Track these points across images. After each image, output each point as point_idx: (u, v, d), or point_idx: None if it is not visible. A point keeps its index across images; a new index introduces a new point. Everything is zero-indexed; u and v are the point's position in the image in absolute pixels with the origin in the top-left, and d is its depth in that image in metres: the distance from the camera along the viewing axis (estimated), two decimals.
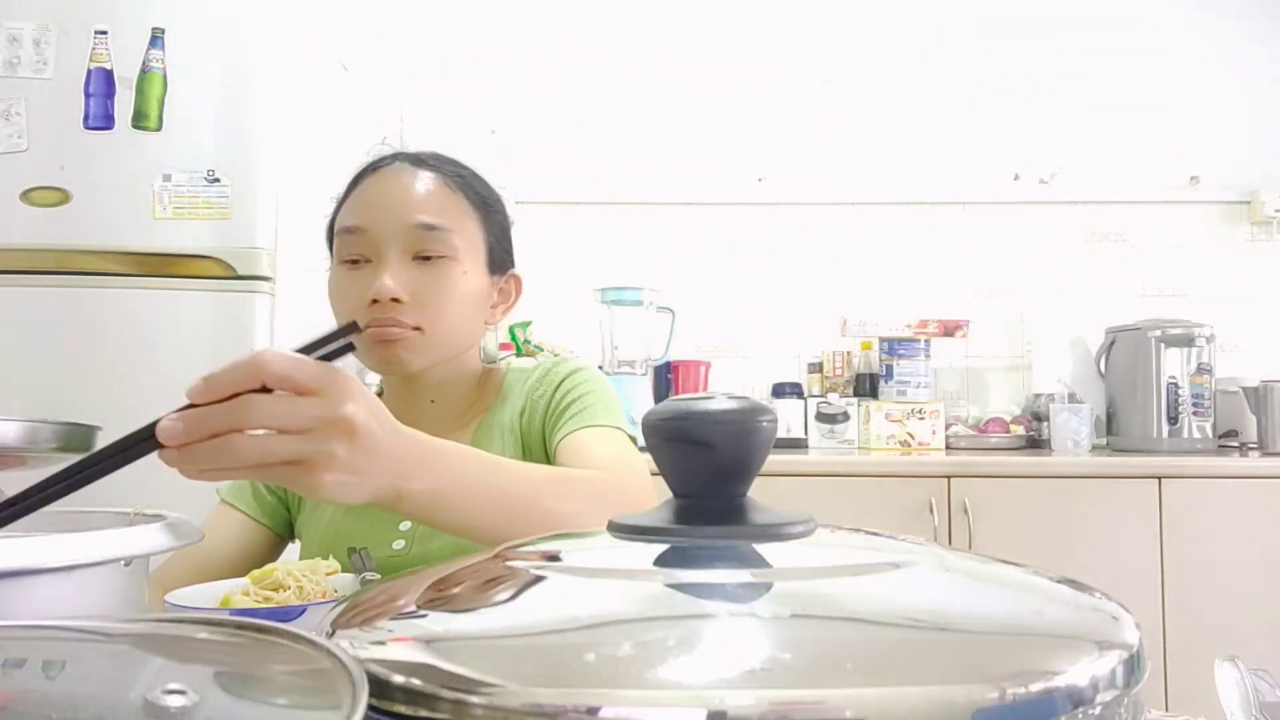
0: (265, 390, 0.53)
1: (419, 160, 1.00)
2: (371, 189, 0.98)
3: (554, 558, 0.40)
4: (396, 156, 1.01)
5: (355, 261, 0.95)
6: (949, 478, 2.14)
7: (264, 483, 0.54)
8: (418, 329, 0.93)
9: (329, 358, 0.56)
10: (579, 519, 0.69)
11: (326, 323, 0.98)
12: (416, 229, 0.94)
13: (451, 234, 0.95)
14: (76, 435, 0.74)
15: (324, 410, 0.55)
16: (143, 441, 0.53)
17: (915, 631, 0.32)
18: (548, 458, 0.98)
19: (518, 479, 0.73)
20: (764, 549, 0.37)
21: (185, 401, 0.54)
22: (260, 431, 0.54)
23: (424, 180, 0.97)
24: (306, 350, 0.56)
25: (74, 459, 0.67)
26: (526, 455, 0.99)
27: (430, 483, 0.64)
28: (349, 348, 0.57)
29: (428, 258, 0.94)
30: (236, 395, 0.53)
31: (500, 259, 1.03)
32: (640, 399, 2.37)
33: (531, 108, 2.86)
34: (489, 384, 1.06)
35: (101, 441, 0.78)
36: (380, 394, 1.09)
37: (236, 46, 1.78)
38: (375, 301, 0.91)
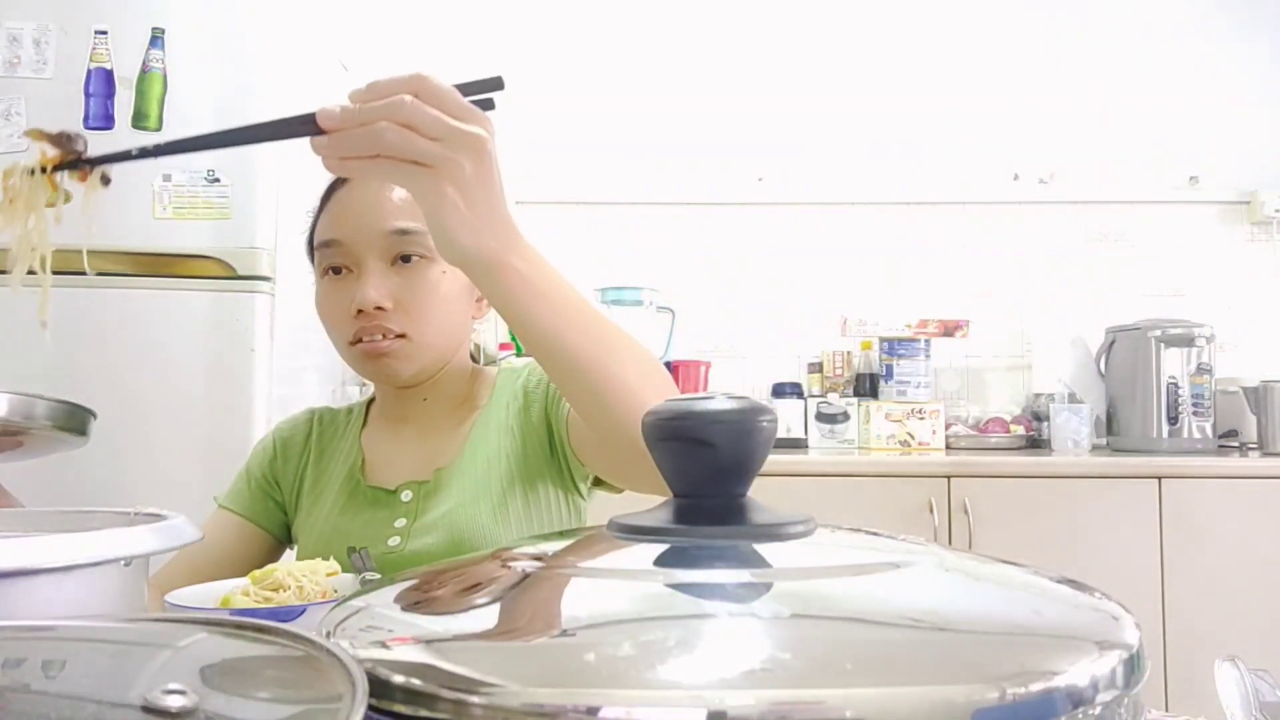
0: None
1: None
2: (343, 200, 0.98)
3: (554, 558, 0.40)
4: None
5: (338, 271, 0.96)
6: (949, 478, 2.14)
7: (392, 181, 0.61)
8: (404, 336, 0.94)
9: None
10: (637, 388, 0.70)
11: None
12: (392, 235, 0.94)
13: (427, 235, 0.95)
14: (72, 415, 0.74)
15: (465, 127, 0.62)
16: (302, 122, 0.61)
17: (915, 631, 0.32)
18: (551, 446, 0.98)
19: (601, 317, 0.74)
20: (764, 549, 0.37)
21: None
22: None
23: (395, 185, 0.97)
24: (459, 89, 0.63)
25: (70, 438, 0.67)
26: (525, 450, 0.98)
27: (530, 268, 0.69)
28: (490, 103, 0.65)
29: (407, 259, 0.94)
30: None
31: None
32: None
33: (531, 108, 2.86)
34: (481, 382, 1.06)
35: (114, 439, 0.78)
36: (373, 397, 1.09)
37: (236, 46, 1.78)
38: (361, 312, 0.92)
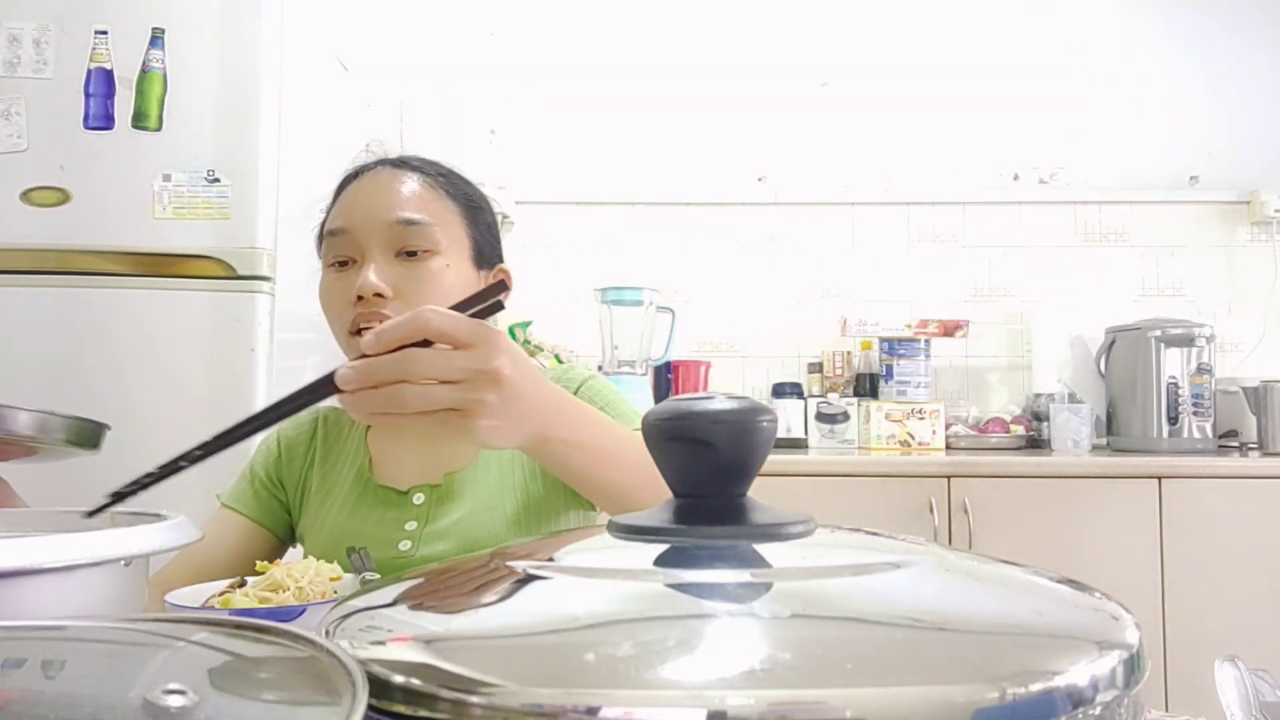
0: (426, 343, 0.62)
1: (401, 162, 1.02)
2: (354, 192, 0.99)
3: (554, 558, 0.40)
4: (379, 161, 1.02)
5: (343, 264, 0.96)
6: (949, 478, 2.14)
7: (425, 427, 0.61)
8: (503, 306, 0.94)
9: (480, 315, 0.64)
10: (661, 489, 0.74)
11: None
12: (397, 225, 0.95)
13: (433, 228, 0.96)
14: (85, 430, 0.74)
15: (478, 363, 0.63)
16: (324, 386, 0.62)
17: (915, 631, 0.32)
18: None
19: (631, 439, 0.79)
20: (764, 549, 0.37)
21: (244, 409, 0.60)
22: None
23: (405, 179, 0.99)
24: (460, 308, 0.64)
25: (82, 454, 0.68)
26: (537, 466, 0.98)
27: (570, 432, 0.73)
28: (499, 306, 0.65)
29: (411, 253, 0.95)
30: (402, 348, 0.61)
31: (487, 255, 1.04)
32: (640, 399, 2.37)
33: (531, 107, 2.86)
34: None
35: (108, 439, 0.79)
36: None
37: (236, 46, 1.78)
38: (360, 299, 0.92)
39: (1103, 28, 2.84)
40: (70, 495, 0.61)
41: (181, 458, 0.60)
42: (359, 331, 0.94)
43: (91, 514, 0.59)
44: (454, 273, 0.97)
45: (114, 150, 1.75)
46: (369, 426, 1.06)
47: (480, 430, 0.64)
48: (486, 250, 1.04)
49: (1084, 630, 0.33)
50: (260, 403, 1.71)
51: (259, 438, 1.06)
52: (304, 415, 1.12)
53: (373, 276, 0.92)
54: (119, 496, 0.59)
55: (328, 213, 1.01)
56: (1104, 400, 2.56)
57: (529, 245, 2.78)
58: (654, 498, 0.72)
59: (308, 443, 1.08)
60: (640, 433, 0.94)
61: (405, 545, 0.95)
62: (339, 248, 0.96)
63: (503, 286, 0.66)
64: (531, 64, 2.86)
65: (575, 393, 1.01)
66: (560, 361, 2.48)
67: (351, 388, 0.61)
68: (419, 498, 0.97)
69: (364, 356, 0.62)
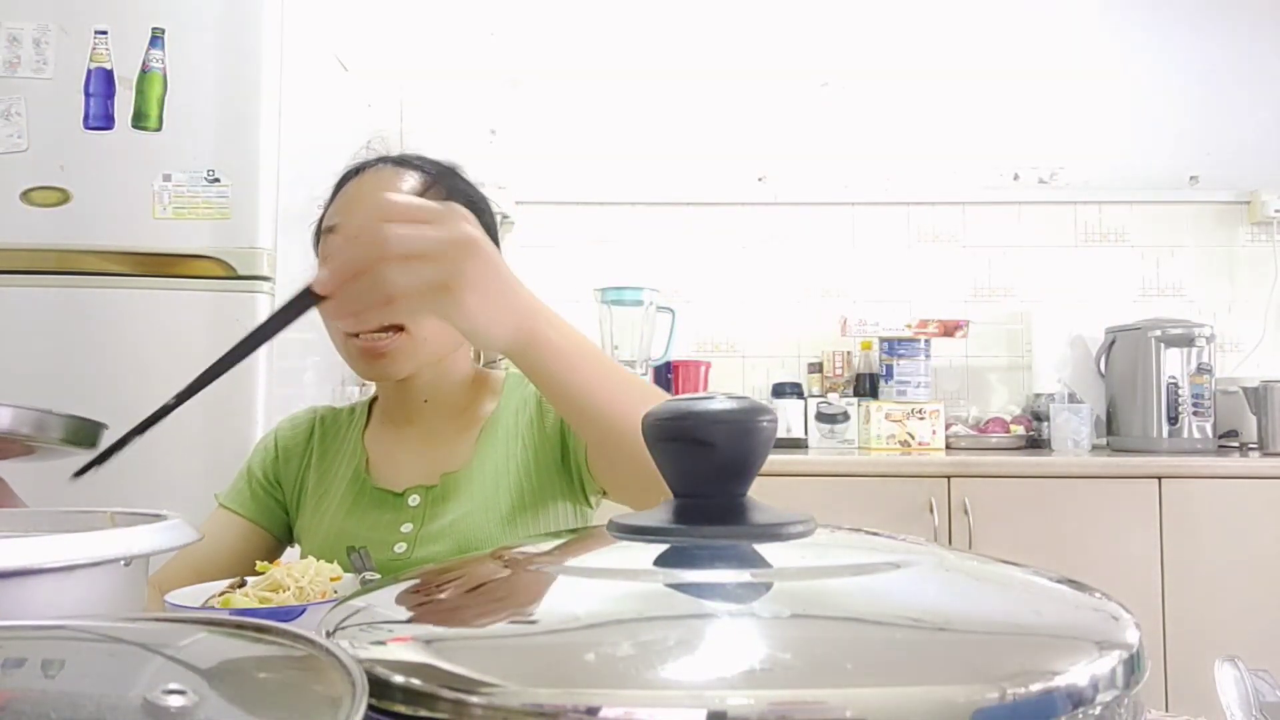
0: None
1: (402, 161, 1.01)
2: (353, 190, 0.99)
3: (554, 558, 0.40)
4: (380, 159, 1.02)
5: None
6: (949, 478, 2.14)
7: (413, 316, 0.60)
8: (401, 329, 0.93)
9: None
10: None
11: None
12: None
13: None
14: (82, 429, 0.74)
15: (447, 233, 0.61)
16: (302, 299, 0.60)
17: (915, 631, 0.32)
18: (563, 458, 0.97)
19: (630, 375, 0.77)
20: (764, 549, 0.37)
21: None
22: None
23: (404, 178, 0.98)
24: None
25: (80, 453, 0.68)
26: (535, 460, 0.98)
27: (559, 335, 0.70)
28: (444, 193, 0.65)
29: None
30: None
31: None
32: None
33: (531, 107, 2.86)
34: (486, 387, 1.05)
35: (107, 438, 0.79)
36: (375, 397, 1.09)
37: (236, 46, 1.78)
38: None
39: (1103, 28, 2.84)
40: (69, 495, 0.61)
41: (165, 407, 0.59)
42: (357, 335, 0.93)
43: (78, 474, 0.59)
44: None
45: (114, 150, 1.75)
46: (367, 425, 1.06)
47: (469, 308, 0.62)
48: None
49: (1084, 630, 0.33)
50: (260, 403, 1.71)
51: (256, 434, 1.05)
52: (301, 416, 1.11)
53: None
54: (106, 455, 0.58)
55: (326, 209, 1.01)
56: (1104, 400, 2.56)
57: (529, 245, 2.78)
58: (633, 447, 0.71)
59: (305, 443, 1.08)
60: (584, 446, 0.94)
61: (401, 547, 0.94)
62: (335, 244, 0.96)
63: (450, 171, 0.66)
64: (531, 64, 2.86)
65: None
66: None
67: (331, 288, 0.59)
68: (414, 499, 0.97)
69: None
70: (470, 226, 0.62)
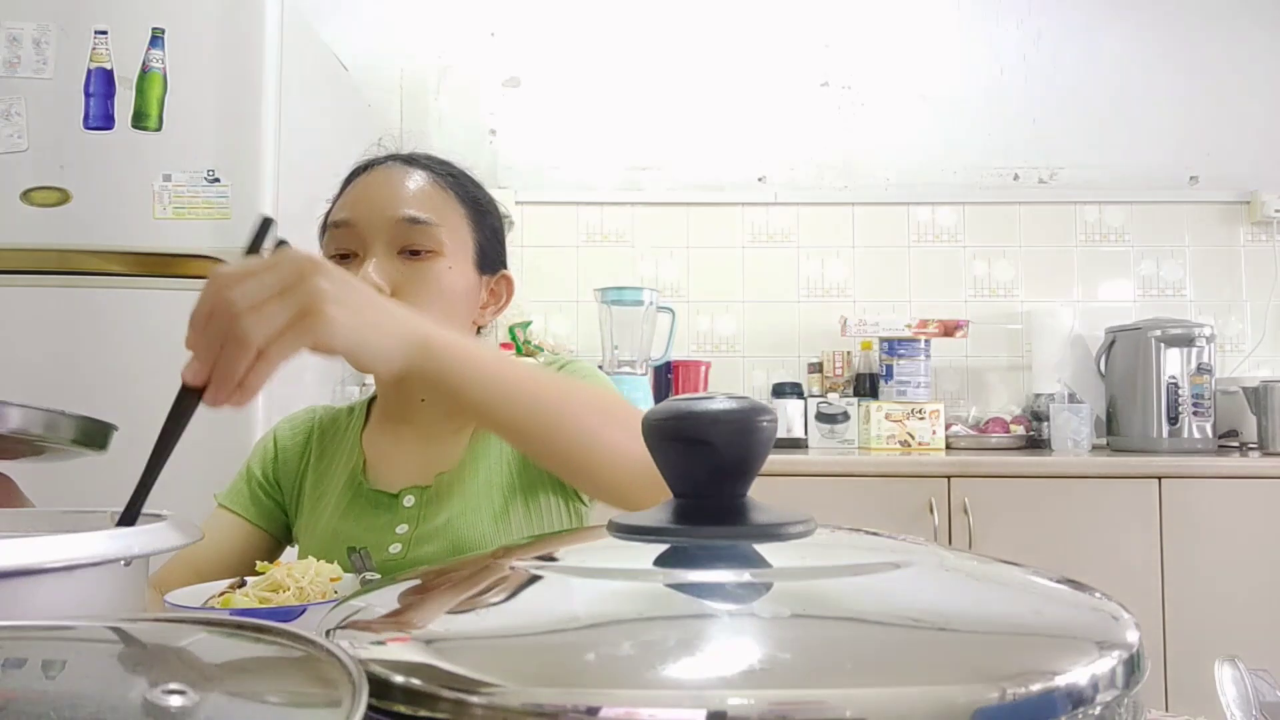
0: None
1: (411, 160, 1.01)
2: (361, 186, 0.99)
3: (554, 558, 0.40)
4: (390, 157, 1.02)
5: (344, 257, 0.96)
6: (949, 478, 2.14)
7: (288, 357, 0.59)
8: (282, 242, 0.93)
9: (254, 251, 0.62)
10: (594, 429, 0.72)
11: None
12: (402, 222, 0.94)
13: (438, 229, 0.95)
14: (93, 430, 0.74)
15: (283, 269, 0.59)
16: (184, 400, 0.58)
17: (915, 631, 0.32)
18: None
19: (546, 376, 0.75)
20: (764, 549, 0.37)
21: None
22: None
23: (413, 177, 0.98)
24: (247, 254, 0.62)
25: (89, 454, 0.68)
26: (526, 458, 0.98)
27: (453, 343, 0.67)
28: (265, 240, 0.63)
29: (415, 253, 0.94)
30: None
31: (491, 259, 1.03)
32: (640, 399, 2.37)
33: (532, 107, 2.86)
34: None
35: (117, 439, 0.79)
36: (373, 397, 1.09)
37: (236, 46, 1.78)
38: None
39: (1103, 28, 2.84)
40: (75, 495, 0.61)
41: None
42: None
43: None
44: (456, 275, 0.97)
45: (114, 150, 1.75)
46: (365, 425, 1.06)
47: (339, 325, 0.60)
48: (491, 254, 1.03)
49: (1084, 630, 0.33)
50: (260, 403, 1.71)
51: (256, 434, 1.05)
52: (300, 416, 1.11)
53: (373, 272, 0.91)
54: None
55: (333, 204, 1.01)
56: (1104, 400, 2.56)
57: (529, 245, 2.78)
58: (577, 443, 0.70)
59: (303, 444, 1.08)
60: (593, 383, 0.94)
61: (395, 548, 0.94)
62: (341, 240, 0.96)
63: (269, 222, 0.65)
64: (531, 64, 2.86)
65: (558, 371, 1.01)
66: None
67: (200, 372, 0.57)
68: (409, 500, 0.97)
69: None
70: (304, 256, 0.61)
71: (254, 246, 0.63)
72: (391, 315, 0.64)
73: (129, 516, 0.56)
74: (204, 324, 0.57)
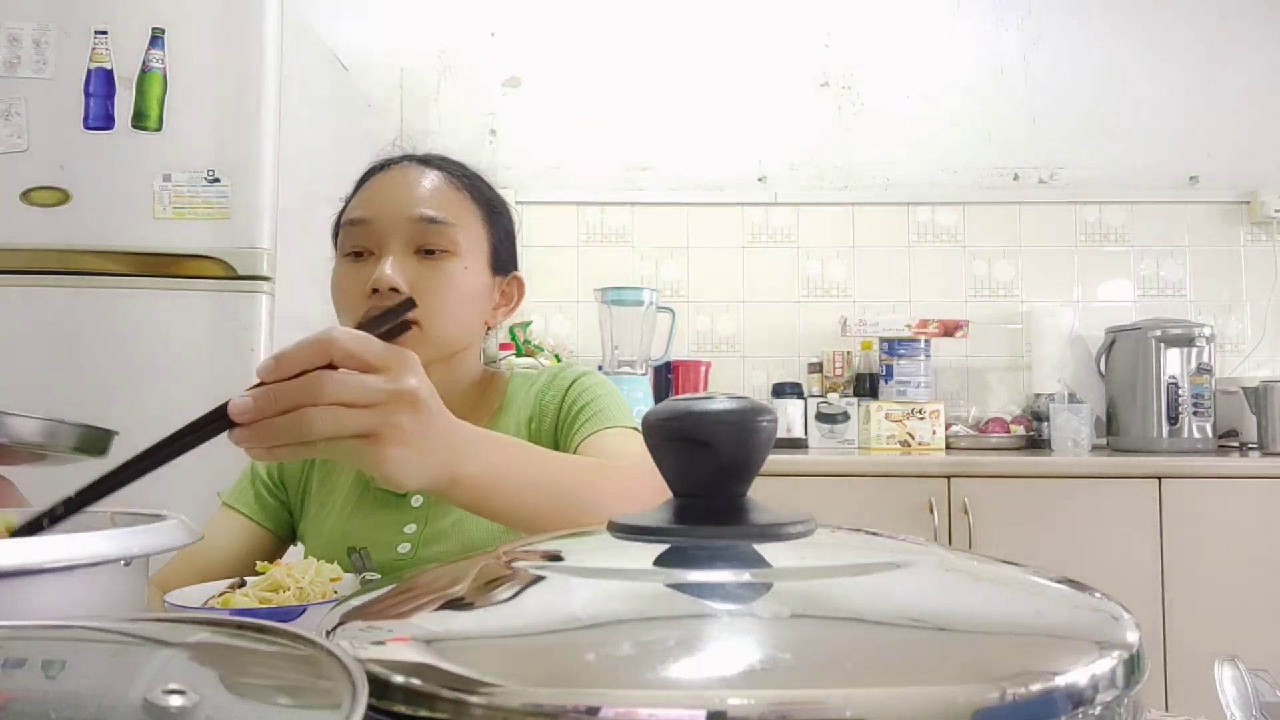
0: (332, 367, 0.55)
1: (427, 160, 1.02)
2: (377, 184, 0.99)
3: (555, 558, 0.40)
4: (406, 156, 1.02)
5: (359, 254, 0.96)
6: (949, 478, 2.14)
7: (331, 458, 0.56)
8: (415, 323, 0.93)
9: (388, 336, 0.59)
10: (617, 505, 0.70)
11: (327, 321, 0.98)
12: (419, 222, 0.94)
13: (454, 229, 0.96)
14: (93, 437, 0.74)
15: (391, 384, 0.57)
16: (215, 421, 0.55)
17: (915, 631, 0.32)
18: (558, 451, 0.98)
19: (561, 466, 0.74)
20: (764, 549, 0.37)
21: (235, 393, 0.56)
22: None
23: (429, 177, 0.99)
24: (368, 327, 0.58)
25: (90, 461, 0.67)
26: None
27: (482, 469, 0.65)
28: (406, 325, 0.60)
29: (430, 252, 0.95)
30: (304, 373, 0.55)
31: (503, 260, 1.04)
32: (640, 399, 2.37)
33: (532, 107, 2.86)
34: (492, 388, 1.06)
35: (117, 445, 0.79)
36: None
37: (236, 46, 1.78)
38: (375, 291, 0.92)
39: (1102, 28, 2.84)
40: (65, 494, 0.61)
41: (44, 515, 0.54)
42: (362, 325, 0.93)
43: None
44: (471, 275, 0.97)
45: (114, 150, 1.75)
46: None
47: (390, 460, 0.57)
48: (504, 256, 1.04)
49: (1084, 630, 0.33)
50: None
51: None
52: None
53: (390, 270, 0.92)
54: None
55: (348, 202, 1.01)
56: (1104, 400, 2.56)
57: (529, 245, 2.78)
58: (582, 521, 0.70)
59: None
60: (615, 438, 0.93)
61: (404, 548, 0.94)
62: (357, 238, 0.96)
63: (410, 304, 0.62)
64: (531, 64, 2.86)
65: (568, 389, 1.01)
66: (559, 361, 2.48)
67: (248, 418, 0.55)
68: (418, 500, 0.97)
69: (259, 386, 0.56)
70: (417, 378, 0.58)
71: (382, 325, 0.59)
72: (437, 457, 0.61)
73: (85, 498, 0.53)
74: (287, 374, 0.55)
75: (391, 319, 0.59)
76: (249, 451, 0.56)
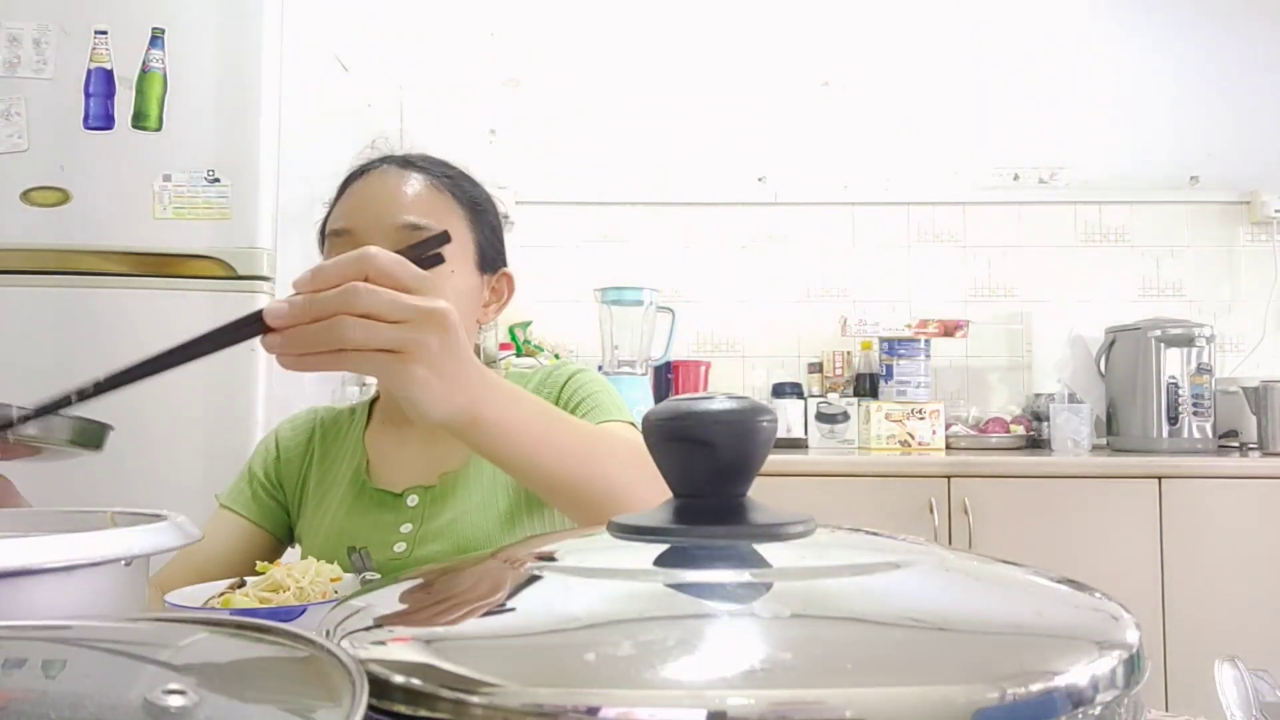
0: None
1: (406, 162, 1.01)
2: (359, 192, 0.99)
3: (554, 558, 0.40)
4: (384, 160, 1.02)
5: None
6: (949, 478, 2.14)
7: (359, 371, 0.58)
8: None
9: (422, 266, 0.60)
10: (622, 481, 0.72)
11: None
12: (402, 228, 0.94)
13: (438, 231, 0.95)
14: (89, 431, 0.74)
15: (423, 303, 0.58)
16: (249, 324, 0.57)
17: (915, 631, 0.32)
18: None
19: (576, 429, 0.76)
20: (764, 549, 0.37)
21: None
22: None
23: (410, 181, 0.98)
24: (403, 254, 0.60)
25: (86, 454, 0.67)
26: None
27: (502, 414, 0.67)
28: (439, 258, 0.62)
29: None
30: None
31: (491, 258, 1.03)
32: (640, 399, 2.37)
33: (532, 107, 2.86)
34: None
35: (111, 439, 0.79)
36: (376, 396, 1.09)
37: (236, 46, 1.78)
38: None
39: (1102, 28, 2.84)
40: (72, 495, 0.61)
41: (73, 393, 0.56)
42: None
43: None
44: (457, 277, 0.97)
45: (114, 150, 1.75)
46: (368, 425, 1.06)
47: (416, 380, 0.59)
48: (490, 254, 1.03)
49: (1084, 630, 0.33)
50: (260, 403, 1.71)
51: (257, 435, 1.05)
52: (301, 417, 1.12)
53: None
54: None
55: (330, 209, 1.01)
56: (1104, 400, 2.56)
57: (529, 245, 2.78)
58: (605, 495, 0.71)
59: (305, 444, 1.08)
60: (616, 425, 0.94)
61: (400, 547, 0.95)
62: (342, 248, 0.95)
63: (446, 237, 0.63)
64: (531, 64, 2.86)
65: (563, 385, 1.01)
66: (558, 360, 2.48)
67: (283, 323, 0.56)
68: (413, 499, 0.97)
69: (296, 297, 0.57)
70: (445, 302, 0.60)
71: (420, 253, 0.62)
72: (461, 389, 0.63)
73: (116, 382, 0.54)
74: (323, 286, 0.56)
75: (426, 249, 0.62)
76: (280, 360, 0.57)
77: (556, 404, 1.00)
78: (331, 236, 0.97)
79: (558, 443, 0.72)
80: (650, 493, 0.71)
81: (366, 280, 0.57)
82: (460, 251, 0.98)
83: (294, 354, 0.57)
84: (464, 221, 1.00)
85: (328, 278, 0.57)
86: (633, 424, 0.97)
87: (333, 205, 1.01)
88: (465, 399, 0.63)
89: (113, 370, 0.55)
